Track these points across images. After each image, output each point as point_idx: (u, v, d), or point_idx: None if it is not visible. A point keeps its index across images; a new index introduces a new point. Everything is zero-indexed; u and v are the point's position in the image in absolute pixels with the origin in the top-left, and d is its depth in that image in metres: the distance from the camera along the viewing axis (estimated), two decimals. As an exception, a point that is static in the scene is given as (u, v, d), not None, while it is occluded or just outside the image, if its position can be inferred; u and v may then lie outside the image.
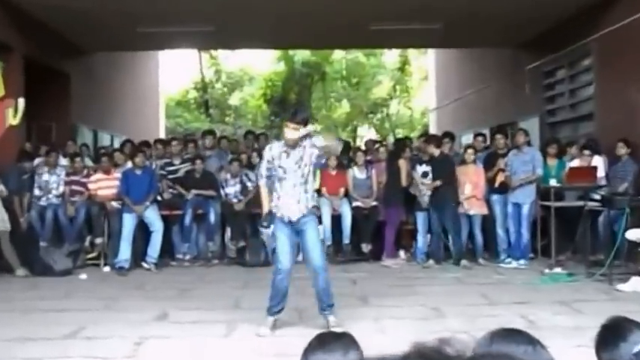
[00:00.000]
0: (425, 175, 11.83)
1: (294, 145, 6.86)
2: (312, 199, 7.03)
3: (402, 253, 12.31)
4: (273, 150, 7.06)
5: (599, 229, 11.03)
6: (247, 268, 11.42)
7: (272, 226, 6.98)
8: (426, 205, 11.64)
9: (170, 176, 12.49)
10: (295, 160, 6.92)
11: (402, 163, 11.90)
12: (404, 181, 11.79)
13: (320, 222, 10.86)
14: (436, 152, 11.69)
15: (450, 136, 13.24)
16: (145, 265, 11.34)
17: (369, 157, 12.85)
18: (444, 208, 11.40)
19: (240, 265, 11.67)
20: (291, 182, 6.95)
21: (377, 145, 13.64)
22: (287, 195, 6.95)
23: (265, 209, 7.13)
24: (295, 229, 6.98)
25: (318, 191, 11.61)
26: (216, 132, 16.08)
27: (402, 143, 12.89)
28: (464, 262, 11.31)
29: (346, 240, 12.04)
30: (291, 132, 6.77)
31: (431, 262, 11.54)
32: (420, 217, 11.85)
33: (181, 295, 9.10)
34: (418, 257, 11.90)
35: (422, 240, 11.95)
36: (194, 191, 11.98)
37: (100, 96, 18.95)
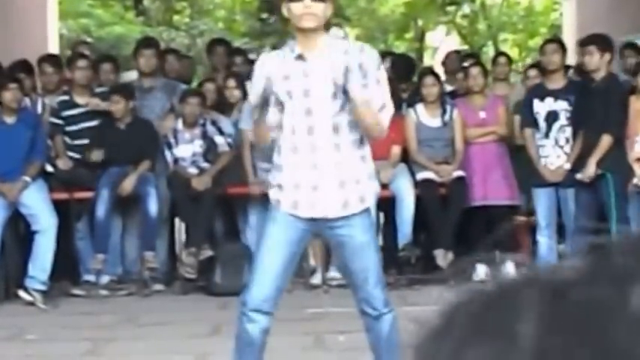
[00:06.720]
0: (553, 118, 8.48)
1: (316, 39, 4.32)
2: (370, 171, 4.54)
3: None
4: (270, 63, 4.54)
5: None
6: (218, 298, 9.06)
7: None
8: (553, 176, 8.55)
9: (71, 127, 9.57)
10: (327, 75, 4.32)
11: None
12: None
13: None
14: (600, 70, 8.05)
15: (604, 42, 8.87)
16: (23, 294, 8.86)
17: (449, 88, 9.62)
18: (600, 181, 8.23)
19: (206, 294, 9.25)
20: (321, 128, 4.37)
21: (467, 64, 10.03)
22: (310, 160, 4.35)
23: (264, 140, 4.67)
24: (318, 231, 4.72)
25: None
26: (159, 43, 12.67)
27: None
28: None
29: (403, 239, 8.89)
30: (313, 5, 4.23)
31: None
32: (542, 200, 8.73)
33: (92, 355, 7.34)
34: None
35: (547, 242, 8.51)
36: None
37: None
